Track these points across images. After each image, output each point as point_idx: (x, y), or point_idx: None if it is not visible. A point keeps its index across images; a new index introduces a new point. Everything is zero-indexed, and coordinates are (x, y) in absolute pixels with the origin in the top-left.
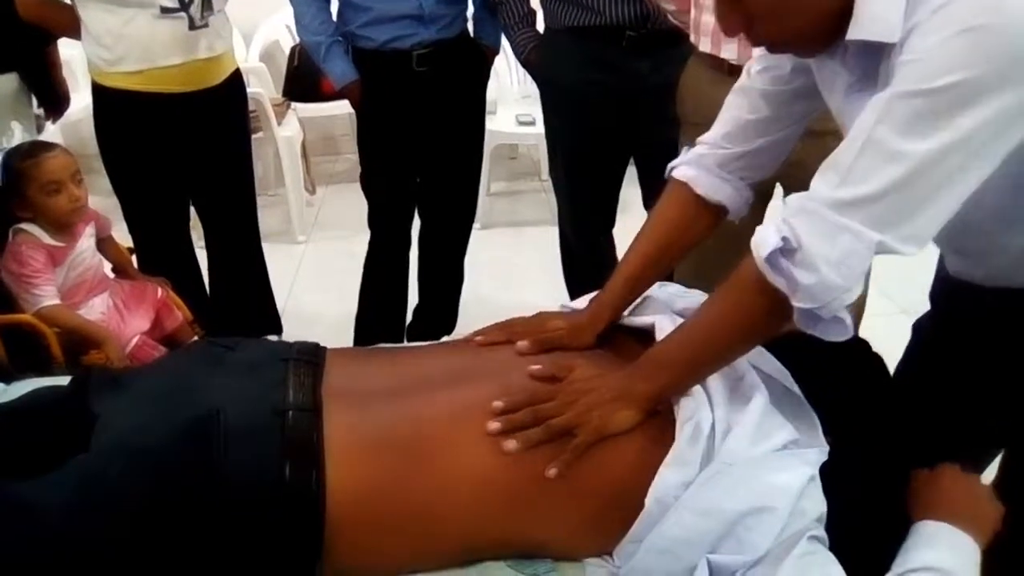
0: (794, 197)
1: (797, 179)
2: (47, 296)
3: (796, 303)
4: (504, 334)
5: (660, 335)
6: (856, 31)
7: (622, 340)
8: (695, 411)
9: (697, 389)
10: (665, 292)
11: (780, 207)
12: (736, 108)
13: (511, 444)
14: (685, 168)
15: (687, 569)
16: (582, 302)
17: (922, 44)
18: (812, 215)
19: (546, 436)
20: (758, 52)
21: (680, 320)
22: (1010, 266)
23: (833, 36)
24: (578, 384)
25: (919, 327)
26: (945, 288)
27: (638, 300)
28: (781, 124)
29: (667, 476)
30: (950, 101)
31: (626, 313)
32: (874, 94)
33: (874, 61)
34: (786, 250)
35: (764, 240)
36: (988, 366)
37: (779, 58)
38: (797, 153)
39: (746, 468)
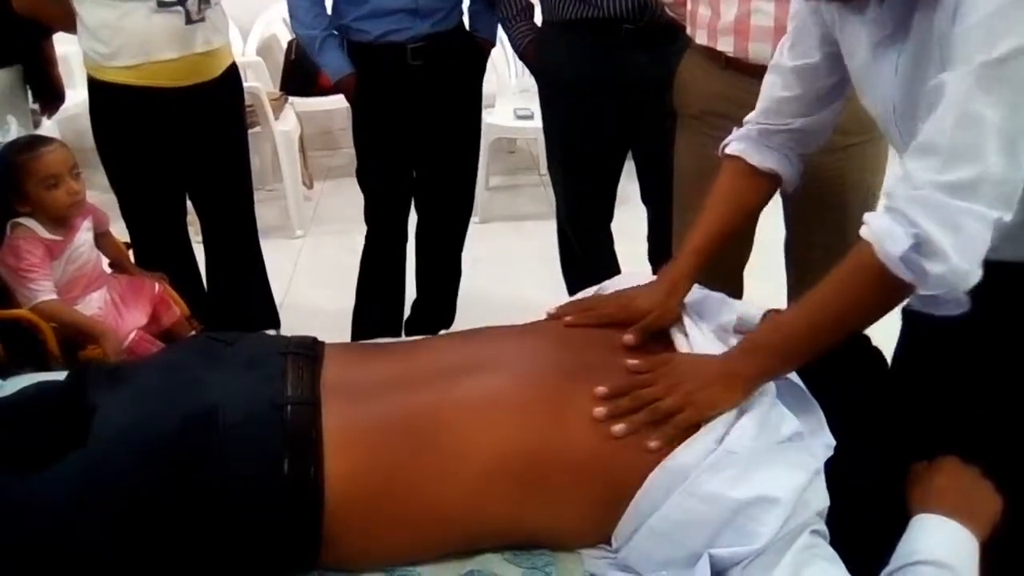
0: (897, 187)
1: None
2: (44, 291)
3: (924, 291)
4: (592, 317)
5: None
6: None
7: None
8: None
9: None
10: None
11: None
12: (770, 85)
13: (619, 428)
14: (735, 143)
15: (686, 557)
16: (624, 280)
17: (979, 4)
18: (929, 204)
19: (651, 419)
20: (791, 26)
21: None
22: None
23: None
24: (681, 368)
25: (909, 313)
26: None
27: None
28: (812, 104)
29: (678, 458)
30: (1018, 67)
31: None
32: (902, 49)
33: (909, 13)
34: (913, 244)
35: (891, 237)
36: (977, 346)
37: (807, 30)
38: None
39: (751, 458)
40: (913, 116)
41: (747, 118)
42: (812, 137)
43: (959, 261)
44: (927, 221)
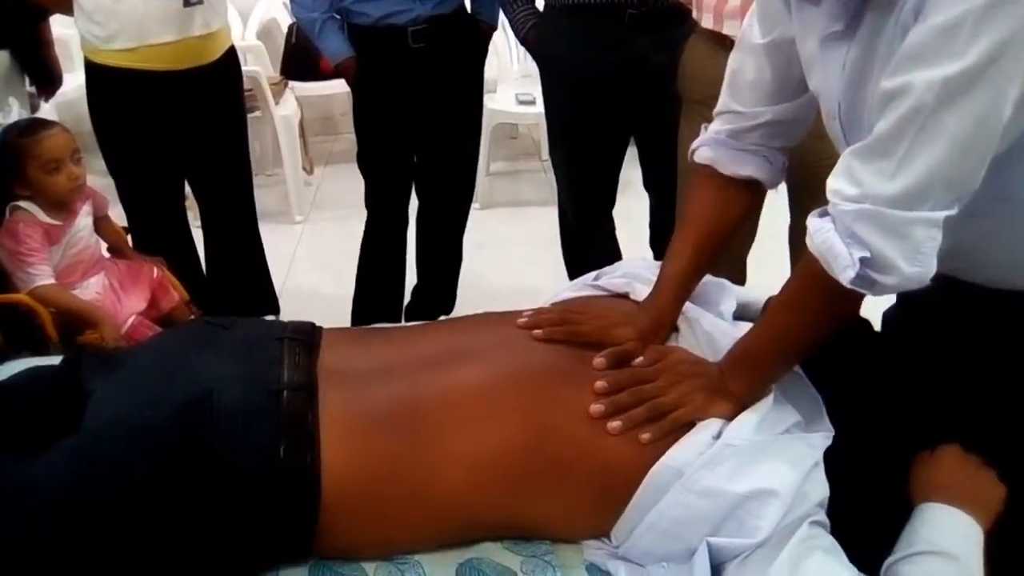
0: (843, 199)
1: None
2: (42, 275)
3: (880, 295)
4: (564, 333)
5: None
6: None
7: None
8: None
9: None
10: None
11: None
12: (738, 65)
13: (615, 425)
14: (704, 150)
15: (686, 551)
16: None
17: (947, 5)
18: (878, 219)
19: (649, 415)
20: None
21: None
22: (964, 258)
23: None
24: (681, 367)
25: (888, 318)
26: None
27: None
28: (786, 89)
29: (674, 454)
30: (987, 78)
31: (606, 284)
32: (850, 46)
33: (861, 11)
34: (862, 266)
35: (838, 259)
36: (950, 358)
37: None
38: None
39: (750, 451)
40: (859, 113)
41: (716, 109)
42: (790, 128)
43: (909, 268)
44: (874, 236)
